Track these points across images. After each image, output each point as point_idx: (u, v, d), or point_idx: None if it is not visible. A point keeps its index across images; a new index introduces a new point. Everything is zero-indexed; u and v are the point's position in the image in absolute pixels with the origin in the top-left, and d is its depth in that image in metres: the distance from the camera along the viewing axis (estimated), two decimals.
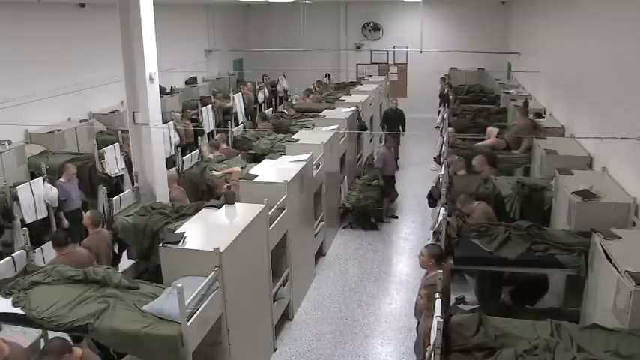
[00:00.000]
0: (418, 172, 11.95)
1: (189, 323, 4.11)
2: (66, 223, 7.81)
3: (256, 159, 9.08)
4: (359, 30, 18.82)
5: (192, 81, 15.86)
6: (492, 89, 14.55)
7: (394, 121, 12.42)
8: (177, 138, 11.01)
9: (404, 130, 12.39)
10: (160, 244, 4.94)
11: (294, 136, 8.97)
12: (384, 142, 10.44)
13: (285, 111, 13.10)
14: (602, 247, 4.52)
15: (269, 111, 14.04)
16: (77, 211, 7.83)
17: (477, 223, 5.66)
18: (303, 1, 15.66)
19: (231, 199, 5.96)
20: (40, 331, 4.79)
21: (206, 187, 8.13)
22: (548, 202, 6.59)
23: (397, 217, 9.80)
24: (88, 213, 6.14)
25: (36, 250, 5.74)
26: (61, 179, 7.82)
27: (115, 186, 9.13)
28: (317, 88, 15.61)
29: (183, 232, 5.10)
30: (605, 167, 6.44)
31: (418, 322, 4.98)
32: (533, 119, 8.69)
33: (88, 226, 5.96)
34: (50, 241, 5.63)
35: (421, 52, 12.55)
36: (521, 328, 3.93)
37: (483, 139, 8.84)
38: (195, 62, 16.10)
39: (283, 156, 7.89)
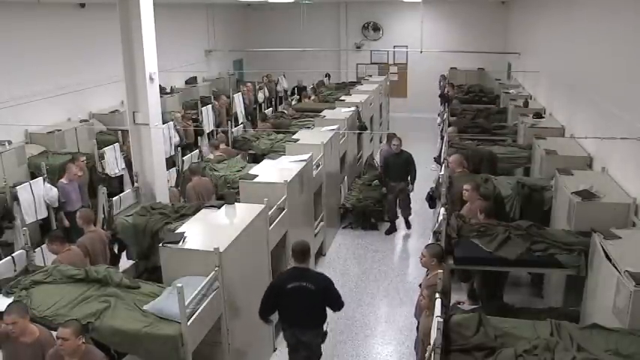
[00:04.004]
0: (418, 172, 11.93)
1: (189, 323, 4.12)
2: (66, 222, 7.81)
3: (256, 159, 9.10)
4: (359, 30, 18.82)
5: (192, 81, 15.87)
6: (492, 89, 14.56)
7: (397, 170, 8.88)
8: (177, 138, 11.01)
9: (413, 180, 8.94)
10: (160, 244, 4.95)
11: (294, 136, 8.97)
12: (385, 140, 10.22)
13: (285, 111, 13.11)
14: (602, 247, 4.52)
15: (269, 111, 14.06)
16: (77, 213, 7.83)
17: (477, 222, 5.66)
18: (303, 1, 15.66)
19: (231, 199, 5.97)
20: None
21: None
22: (548, 202, 6.59)
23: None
24: (79, 212, 6.13)
25: (36, 250, 5.74)
26: (62, 180, 7.81)
27: (117, 186, 9.14)
28: (316, 89, 15.61)
29: (183, 232, 5.11)
30: (605, 167, 6.44)
31: (419, 323, 4.98)
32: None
33: (81, 225, 5.97)
34: (47, 241, 5.59)
35: (421, 52, 12.56)
36: (521, 328, 3.93)
37: (484, 139, 8.84)
38: (195, 62, 16.11)
39: (283, 156, 7.90)
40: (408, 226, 9.21)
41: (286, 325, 5.08)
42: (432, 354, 3.50)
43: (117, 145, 9.54)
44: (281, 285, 4.90)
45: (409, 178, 8.93)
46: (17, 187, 7.42)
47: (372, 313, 6.86)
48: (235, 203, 5.96)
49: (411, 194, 8.99)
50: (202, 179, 7.64)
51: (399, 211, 9.13)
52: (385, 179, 9.05)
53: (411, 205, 9.06)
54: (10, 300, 4.51)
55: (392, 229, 9.10)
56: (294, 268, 4.99)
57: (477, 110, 11.71)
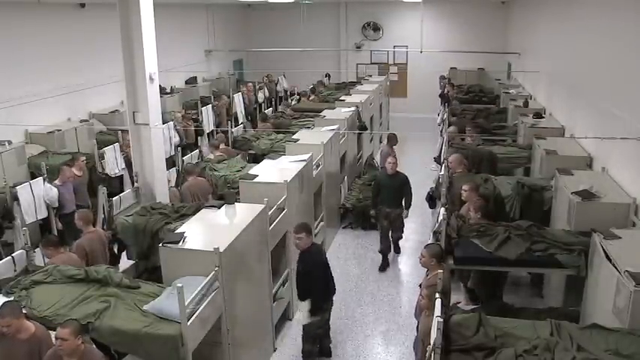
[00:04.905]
0: (418, 172, 11.94)
1: (189, 323, 4.11)
2: (59, 225, 7.80)
3: (256, 159, 9.09)
4: (359, 30, 18.82)
5: (192, 81, 15.88)
6: (492, 89, 14.57)
7: (391, 193, 7.78)
8: (177, 138, 11.02)
9: (408, 205, 7.87)
10: (160, 244, 4.95)
11: (294, 136, 8.98)
12: (386, 141, 10.15)
13: (284, 111, 13.11)
14: (602, 247, 4.53)
15: (269, 111, 14.06)
16: (71, 214, 7.78)
17: (477, 222, 5.66)
18: (303, 1, 15.66)
19: (231, 199, 5.97)
20: None
21: None
22: (548, 202, 6.59)
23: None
24: (77, 213, 6.11)
25: (36, 250, 5.74)
26: (55, 182, 7.79)
27: (117, 186, 9.13)
28: (315, 89, 15.61)
29: (183, 232, 5.11)
30: (605, 167, 6.44)
31: (419, 323, 4.98)
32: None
33: (80, 226, 5.95)
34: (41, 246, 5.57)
35: (421, 52, 12.56)
36: (521, 328, 3.93)
37: (484, 139, 8.84)
38: (195, 62, 16.11)
39: (283, 156, 7.90)
40: (397, 249, 8.29)
41: (324, 299, 5.59)
42: (432, 354, 3.50)
43: (117, 145, 9.54)
44: (323, 260, 5.63)
45: (404, 203, 7.83)
46: (17, 187, 7.41)
47: (372, 313, 6.86)
48: (235, 203, 5.96)
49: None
50: (198, 179, 7.65)
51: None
52: (376, 203, 7.95)
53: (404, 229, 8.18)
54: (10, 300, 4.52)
55: (385, 265, 7.97)
56: (312, 245, 5.55)
57: (477, 110, 11.72)
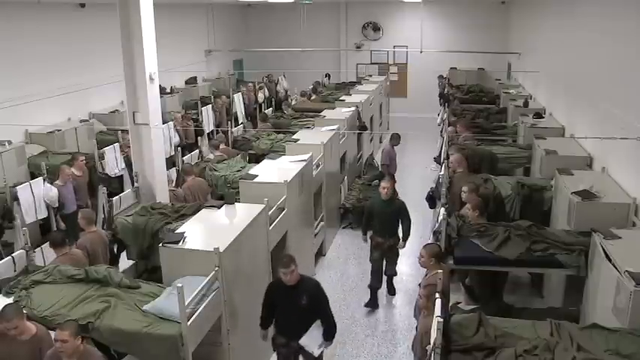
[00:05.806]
0: (418, 172, 11.94)
1: (189, 323, 4.11)
2: (62, 225, 7.80)
3: (256, 159, 9.09)
4: (359, 30, 18.83)
5: (192, 81, 15.88)
6: (492, 89, 14.56)
7: (385, 222, 6.87)
8: (177, 138, 11.01)
9: (406, 235, 6.88)
10: (160, 244, 4.95)
11: (294, 136, 8.98)
12: (388, 140, 10.02)
13: (285, 111, 13.12)
14: (602, 247, 4.53)
15: (269, 111, 14.06)
16: (73, 214, 7.78)
17: (477, 222, 5.65)
18: (303, 1, 15.66)
19: (231, 199, 5.97)
20: None
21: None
22: (548, 202, 6.59)
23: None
24: (81, 213, 6.13)
25: (36, 250, 5.74)
26: (57, 182, 7.79)
27: (117, 186, 9.13)
28: (316, 89, 15.61)
29: (183, 232, 5.11)
30: (605, 167, 6.44)
31: (418, 322, 4.98)
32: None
33: (83, 226, 5.96)
34: (48, 242, 5.61)
35: (421, 52, 12.57)
36: (521, 328, 3.93)
37: (484, 139, 8.84)
38: (195, 62, 16.11)
39: (283, 156, 7.90)
40: (391, 290, 7.25)
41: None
42: (432, 354, 3.49)
43: (117, 145, 9.54)
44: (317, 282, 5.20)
45: (401, 233, 6.89)
46: (17, 187, 7.41)
47: (372, 313, 6.86)
48: (235, 203, 5.96)
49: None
50: (196, 179, 7.65)
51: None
52: (366, 230, 7.16)
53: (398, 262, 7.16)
54: (10, 300, 4.51)
55: (373, 302, 7.03)
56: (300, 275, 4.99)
57: (477, 110, 11.72)
